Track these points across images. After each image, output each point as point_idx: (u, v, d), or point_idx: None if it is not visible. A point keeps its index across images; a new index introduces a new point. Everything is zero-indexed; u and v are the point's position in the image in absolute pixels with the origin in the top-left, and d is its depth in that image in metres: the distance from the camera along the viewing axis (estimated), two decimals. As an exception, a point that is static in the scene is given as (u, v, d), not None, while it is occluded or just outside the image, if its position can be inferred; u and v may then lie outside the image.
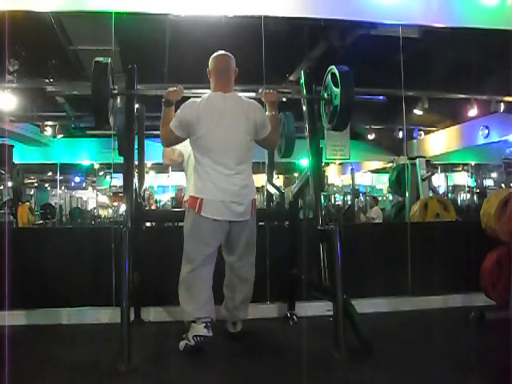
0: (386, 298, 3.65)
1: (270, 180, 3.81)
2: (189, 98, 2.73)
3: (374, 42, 5.24)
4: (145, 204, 3.71)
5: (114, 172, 11.27)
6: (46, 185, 15.63)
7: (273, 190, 3.68)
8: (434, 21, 4.23)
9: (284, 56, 5.82)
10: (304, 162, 7.90)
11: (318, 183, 2.89)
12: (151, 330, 3.13)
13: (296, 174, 11.26)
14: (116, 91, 2.84)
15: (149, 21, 4.26)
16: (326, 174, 12.26)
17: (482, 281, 3.31)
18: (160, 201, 13.18)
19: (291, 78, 7.24)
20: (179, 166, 3.86)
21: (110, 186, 12.57)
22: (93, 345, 2.77)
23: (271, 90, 2.85)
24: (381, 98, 3.21)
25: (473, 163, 12.50)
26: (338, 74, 2.84)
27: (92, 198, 15.32)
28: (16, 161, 7.86)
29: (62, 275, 3.35)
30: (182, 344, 2.60)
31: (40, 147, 10.40)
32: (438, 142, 11.03)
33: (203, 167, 2.64)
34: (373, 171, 14.00)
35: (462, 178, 13.52)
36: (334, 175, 14.51)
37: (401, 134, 9.88)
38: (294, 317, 3.28)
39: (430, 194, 6.23)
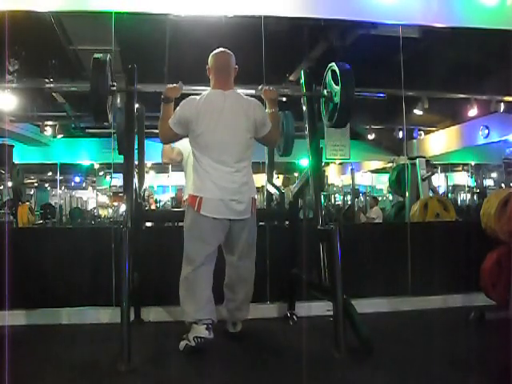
0: (386, 298, 3.65)
1: (269, 180, 3.81)
2: (188, 95, 2.73)
3: (373, 42, 5.24)
4: (145, 204, 3.71)
5: (114, 172, 11.26)
6: (46, 185, 15.63)
7: (273, 190, 3.68)
8: (433, 21, 4.24)
9: (284, 56, 5.81)
10: (304, 161, 7.90)
11: (318, 183, 2.89)
12: (151, 330, 3.13)
13: (296, 174, 11.25)
14: (115, 87, 2.84)
15: (149, 21, 4.26)
16: (326, 173, 12.27)
17: (481, 281, 3.31)
18: (160, 201, 13.17)
19: (291, 78, 7.23)
20: (179, 166, 3.87)
21: (110, 186, 12.56)
22: (93, 345, 2.77)
23: (271, 87, 2.84)
24: (381, 95, 3.21)
25: (473, 163, 12.50)
26: (338, 71, 2.84)
27: (92, 198, 15.31)
28: (16, 161, 7.87)
29: (62, 275, 3.36)
30: (183, 344, 2.60)
31: (40, 147, 10.40)
32: (438, 142, 11.03)
33: (202, 165, 2.63)
34: (373, 171, 13.99)
35: (462, 178, 13.52)
36: (334, 175, 14.51)
37: (401, 134, 9.87)
38: (294, 317, 3.28)
39: (430, 194, 6.22)
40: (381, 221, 8.38)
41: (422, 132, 10.99)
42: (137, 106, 3.06)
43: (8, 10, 3.63)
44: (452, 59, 6.41)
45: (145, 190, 3.94)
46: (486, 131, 9.31)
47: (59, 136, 9.97)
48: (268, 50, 3.88)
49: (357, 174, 11.74)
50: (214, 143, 2.62)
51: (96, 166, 13.15)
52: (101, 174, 14.51)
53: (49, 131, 9.64)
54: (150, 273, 3.23)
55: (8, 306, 3.02)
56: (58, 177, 11.77)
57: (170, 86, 2.71)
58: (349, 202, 10.81)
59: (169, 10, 3.88)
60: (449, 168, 13.20)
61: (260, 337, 2.98)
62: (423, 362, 2.47)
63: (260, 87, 2.88)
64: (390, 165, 11.39)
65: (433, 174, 6.70)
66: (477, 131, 9.55)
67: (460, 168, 13.66)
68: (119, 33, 4.08)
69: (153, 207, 10.39)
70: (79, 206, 14.08)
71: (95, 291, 3.34)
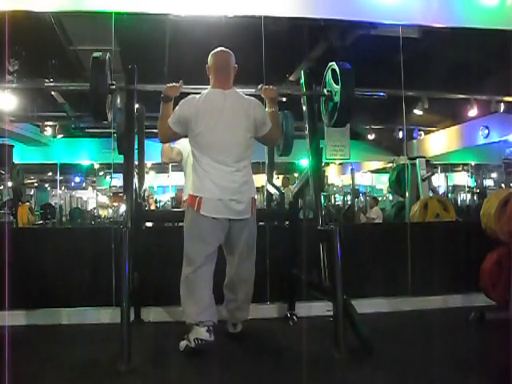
0: (386, 298, 3.65)
1: (269, 180, 3.80)
2: (188, 94, 2.72)
3: (373, 42, 5.24)
4: (145, 204, 3.71)
5: (114, 172, 11.26)
6: (46, 185, 15.60)
7: (273, 190, 3.68)
8: (433, 21, 4.23)
9: (284, 56, 5.81)
10: (304, 162, 7.90)
11: (318, 183, 2.89)
12: (151, 330, 3.14)
13: (296, 174, 11.25)
14: (114, 86, 2.84)
15: (149, 21, 4.25)
16: (326, 174, 12.27)
17: (481, 281, 3.31)
18: (160, 201, 13.17)
19: (291, 78, 7.23)
20: (179, 166, 3.86)
21: (110, 186, 12.55)
22: (93, 345, 2.77)
23: (270, 86, 2.83)
24: (381, 93, 3.20)
25: (473, 163, 12.50)
26: (338, 70, 2.83)
27: (92, 198, 15.29)
28: (16, 161, 7.87)
29: (62, 275, 3.36)
30: (183, 344, 2.60)
31: (40, 147, 10.40)
32: (438, 142, 11.03)
33: (202, 165, 2.62)
34: (373, 171, 13.99)
35: (462, 178, 13.51)
36: (334, 175, 14.50)
37: (401, 134, 9.87)
38: (294, 317, 3.28)
39: (430, 194, 6.22)
40: (381, 221, 8.38)
41: (421, 132, 10.99)
42: (137, 106, 3.06)
43: (8, 10, 3.64)
44: (452, 59, 6.41)
45: (145, 190, 3.95)
46: (486, 131, 9.31)
47: (59, 136, 9.97)
48: (268, 50, 3.88)
49: (357, 174, 11.74)
50: (214, 142, 2.61)
51: (96, 166, 13.14)
52: (101, 174, 14.50)
53: (49, 131, 9.64)
54: (150, 273, 3.23)
55: (8, 306, 3.02)
56: (58, 177, 11.76)
57: (170, 84, 2.71)
58: (349, 202, 10.80)
59: (169, 10, 3.88)
60: (449, 168, 13.19)
61: (260, 337, 2.98)
62: (423, 362, 2.47)
63: (259, 86, 2.87)
64: (390, 165, 11.39)
65: (433, 174, 6.70)
66: (477, 131, 9.55)
67: (460, 168, 13.65)
68: (119, 33, 4.08)
69: (153, 207, 10.39)
70: (79, 206, 14.06)
71: (95, 291, 3.34)
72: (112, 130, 3.67)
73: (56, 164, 11.19)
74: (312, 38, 6.05)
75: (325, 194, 10.60)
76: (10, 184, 7.69)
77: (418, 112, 8.28)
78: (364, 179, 14.13)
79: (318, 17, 4.15)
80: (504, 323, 3.02)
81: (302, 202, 3.57)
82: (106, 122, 3.04)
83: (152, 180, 13.10)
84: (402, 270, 3.71)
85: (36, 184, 14.77)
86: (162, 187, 14.35)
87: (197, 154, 2.65)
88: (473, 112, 8.40)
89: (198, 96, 2.66)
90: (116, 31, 3.77)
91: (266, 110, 2.79)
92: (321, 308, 3.08)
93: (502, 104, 8.25)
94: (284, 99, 2.96)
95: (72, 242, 3.46)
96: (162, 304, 3.35)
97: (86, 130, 10.58)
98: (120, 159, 3.02)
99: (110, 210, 12.41)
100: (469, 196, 12.51)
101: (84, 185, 16.48)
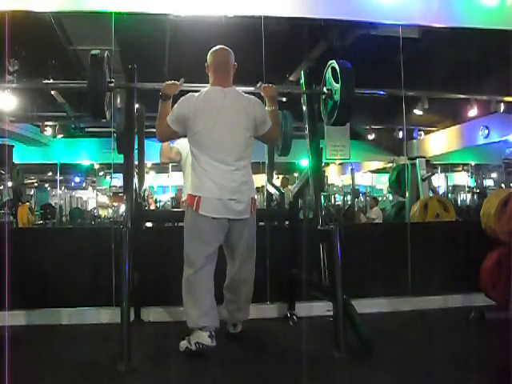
0: (386, 298, 3.65)
1: (269, 180, 3.80)
2: (187, 92, 2.71)
3: (373, 42, 5.24)
4: (145, 204, 3.71)
5: (114, 172, 11.26)
6: (46, 185, 15.61)
7: (273, 190, 3.67)
8: (433, 21, 4.23)
9: (284, 56, 5.82)
10: (304, 162, 7.90)
11: (317, 183, 2.89)
12: (151, 330, 3.13)
13: (296, 174, 11.25)
14: (113, 84, 2.84)
15: (149, 21, 4.26)
16: (326, 174, 12.28)
17: (481, 281, 3.31)
18: (160, 201, 13.17)
19: (291, 78, 7.23)
20: (179, 166, 3.86)
21: (110, 186, 12.55)
22: (93, 345, 2.77)
23: (270, 84, 2.82)
24: (381, 92, 3.20)
25: (473, 163, 12.50)
26: (338, 68, 2.83)
27: (92, 198, 15.30)
28: (16, 161, 7.86)
29: (62, 275, 3.36)
30: (183, 345, 2.58)
31: (40, 147, 10.40)
32: (438, 142, 11.03)
33: (201, 164, 2.59)
34: (373, 171, 13.99)
35: (462, 178, 13.52)
36: (334, 175, 14.51)
37: (401, 134, 9.87)
38: (294, 317, 3.28)
39: (430, 194, 6.23)
40: (381, 221, 8.38)
41: (421, 132, 10.99)
42: (137, 106, 3.06)
43: (8, 10, 3.63)
44: (452, 59, 6.41)
45: (145, 190, 3.94)
46: (486, 131, 9.31)
47: (59, 136, 9.97)
48: (268, 50, 3.88)
49: (357, 174, 11.75)
50: (213, 141, 2.58)
51: (96, 166, 13.14)
52: (101, 174, 14.50)
53: (49, 131, 9.64)
54: (150, 273, 3.22)
55: (8, 306, 3.02)
56: (58, 177, 11.76)
57: (169, 82, 2.70)
58: (349, 203, 10.81)
59: (169, 10, 3.88)
60: (449, 168, 13.20)
61: (260, 337, 2.98)
62: (423, 362, 2.47)
63: (258, 84, 2.86)
64: (390, 165, 11.39)
65: (433, 174, 6.71)
66: (477, 131, 9.55)
67: (460, 168, 13.66)
68: (119, 33, 4.07)
69: (152, 207, 10.39)
70: (79, 206, 14.07)
71: (95, 291, 3.34)
72: (112, 130, 3.67)
73: (56, 164, 11.20)
74: (312, 38, 6.05)
75: (325, 194, 10.60)
76: (10, 184, 7.69)
77: (418, 112, 8.28)
78: (364, 179, 14.14)
79: (318, 17, 4.15)
80: (504, 323, 3.02)
81: (301, 202, 3.57)
82: (104, 121, 3.04)
83: (152, 180, 13.10)
84: (402, 270, 3.70)
85: (36, 184, 14.77)
86: (161, 187, 14.35)
87: (196, 152, 2.63)
88: (473, 112, 8.40)
89: (197, 94, 2.64)
90: (116, 31, 3.76)
91: (266, 108, 2.77)
92: (321, 308, 3.08)
93: (502, 104, 8.24)
94: (284, 99, 2.95)
95: (72, 242, 3.46)
96: (162, 304, 3.34)
97: (86, 130, 10.58)
98: (120, 159, 3.01)
99: (110, 210, 12.42)
100: (469, 196, 12.52)
101: (84, 185, 16.49)
